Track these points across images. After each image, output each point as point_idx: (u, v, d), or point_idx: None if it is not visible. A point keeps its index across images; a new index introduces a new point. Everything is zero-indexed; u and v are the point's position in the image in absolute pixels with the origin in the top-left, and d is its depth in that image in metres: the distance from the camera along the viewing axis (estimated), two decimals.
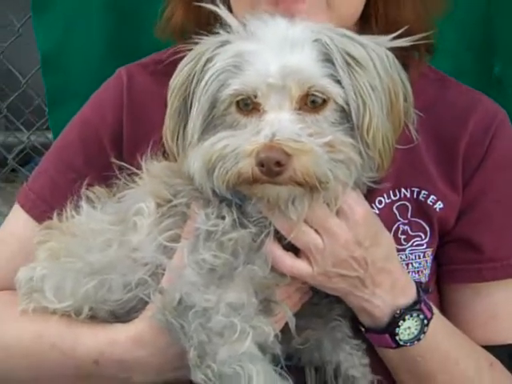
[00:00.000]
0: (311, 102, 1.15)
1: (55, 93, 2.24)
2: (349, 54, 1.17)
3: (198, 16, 1.40)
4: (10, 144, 4.26)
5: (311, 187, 1.13)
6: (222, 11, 1.22)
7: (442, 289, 1.50)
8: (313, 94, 1.15)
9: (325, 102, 1.15)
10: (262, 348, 1.18)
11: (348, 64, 1.16)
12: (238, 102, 1.16)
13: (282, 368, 1.24)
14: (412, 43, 1.24)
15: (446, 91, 1.52)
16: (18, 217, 1.53)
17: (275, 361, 1.25)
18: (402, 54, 1.29)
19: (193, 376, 1.17)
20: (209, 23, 1.29)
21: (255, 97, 1.15)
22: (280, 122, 1.12)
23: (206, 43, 1.21)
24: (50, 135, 3.87)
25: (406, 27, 1.27)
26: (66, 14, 2.19)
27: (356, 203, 1.22)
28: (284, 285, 1.23)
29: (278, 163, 1.08)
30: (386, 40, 1.21)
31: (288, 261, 1.21)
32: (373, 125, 1.15)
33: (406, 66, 1.32)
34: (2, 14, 3.78)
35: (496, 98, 1.89)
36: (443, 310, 1.49)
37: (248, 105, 1.16)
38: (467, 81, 1.92)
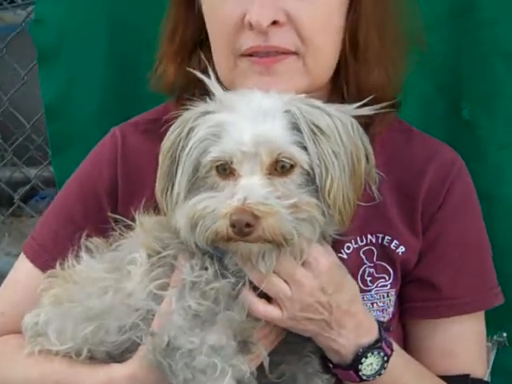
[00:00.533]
0: (280, 167, 1.23)
1: (58, 139, 2.29)
2: (314, 124, 1.24)
3: (188, 75, 1.44)
4: (15, 180, 4.28)
5: (278, 244, 1.21)
6: (207, 80, 1.31)
7: (404, 324, 1.55)
8: (281, 160, 1.23)
9: (292, 166, 1.23)
10: (240, 383, 1.25)
11: (314, 133, 1.24)
12: (217, 167, 1.24)
13: None
14: (376, 112, 1.31)
15: (411, 142, 1.58)
16: (23, 265, 1.59)
17: None
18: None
19: None
20: (198, 80, 1.36)
21: (231, 163, 1.22)
22: (251, 186, 1.20)
23: (190, 112, 1.29)
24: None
25: (372, 96, 1.35)
26: (69, 65, 2.23)
27: (321, 255, 1.28)
28: (260, 327, 1.29)
29: (248, 224, 1.16)
30: (351, 109, 1.29)
31: (261, 307, 1.27)
32: (333, 188, 1.23)
33: (372, 120, 1.42)
34: (8, 63, 3.88)
35: (466, 138, 1.95)
36: (406, 344, 1.55)
37: (226, 170, 1.23)
38: (438, 123, 1.98)
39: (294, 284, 1.26)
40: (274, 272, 1.26)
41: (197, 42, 1.49)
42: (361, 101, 1.35)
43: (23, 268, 1.59)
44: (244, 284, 1.27)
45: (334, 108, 1.29)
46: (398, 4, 1.49)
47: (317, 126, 1.25)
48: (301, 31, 1.37)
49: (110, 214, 1.48)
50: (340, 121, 1.26)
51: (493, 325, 1.67)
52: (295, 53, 1.39)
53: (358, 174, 1.26)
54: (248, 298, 1.27)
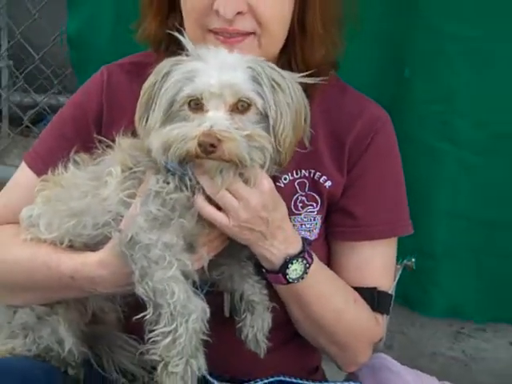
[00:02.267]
0: (240, 107, 1.37)
1: (78, 63, 2.59)
2: (273, 79, 1.40)
3: (166, 32, 1.57)
4: (26, 104, 4.31)
5: (234, 163, 1.35)
6: (181, 37, 1.45)
7: (329, 245, 1.70)
8: (241, 101, 1.38)
9: (249, 106, 1.38)
10: (185, 275, 1.39)
11: (272, 86, 1.40)
12: (189, 103, 1.38)
13: (202, 292, 1.45)
14: (316, 81, 1.47)
15: (344, 97, 1.72)
16: (23, 171, 1.73)
17: (200, 287, 1.47)
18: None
19: (136, 290, 1.38)
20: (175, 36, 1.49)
21: (201, 99, 1.36)
22: (216, 118, 1.34)
23: (167, 61, 1.43)
24: (61, 98, 4.11)
25: (313, 70, 1.51)
26: (90, 5, 2.55)
27: (265, 179, 1.42)
28: (205, 234, 1.45)
29: (212, 145, 1.31)
30: (297, 76, 1.45)
31: (211, 211, 1.41)
32: (285, 130, 1.39)
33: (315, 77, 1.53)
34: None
35: (404, 92, 2.21)
36: (329, 262, 1.69)
37: (196, 105, 1.37)
38: (385, 79, 2.25)
39: (241, 199, 1.39)
40: (226, 189, 1.39)
41: (172, 4, 1.61)
42: (306, 70, 1.52)
43: (23, 173, 1.72)
44: (198, 193, 1.40)
45: (284, 72, 1.44)
46: None
47: (275, 81, 1.40)
48: (259, 18, 1.53)
49: (95, 135, 1.60)
50: (291, 83, 1.42)
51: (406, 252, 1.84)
52: (253, 33, 1.55)
53: (299, 125, 1.42)
54: (201, 204, 1.40)
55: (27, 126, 4.01)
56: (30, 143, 3.08)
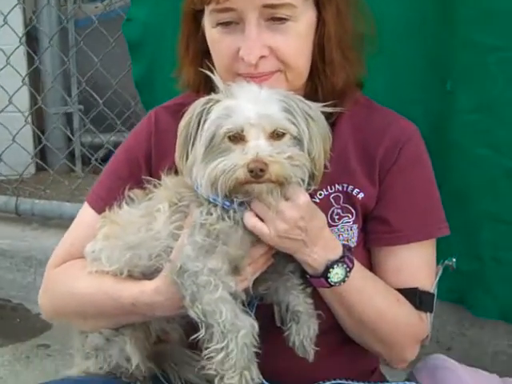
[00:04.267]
0: (276, 135, 1.45)
1: (147, 104, 2.67)
2: (305, 111, 1.49)
3: (204, 75, 1.64)
4: (96, 144, 4.58)
5: (280, 183, 1.44)
6: (212, 76, 1.52)
7: (369, 250, 1.73)
8: (277, 130, 1.45)
9: (284, 134, 1.46)
10: (233, 295, 1.46)
11: (305, 117, 1.48)
12: (229, 136, 1.44)
13: (249, 307, 1.53)
14: (336, 110, 1.56)
15: (372, 114, 1.75)
16: (86, 211, 1.81)
17: (251, 302, 1.56)
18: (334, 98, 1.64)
19: (188, 313, 1.46)
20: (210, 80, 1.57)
21: (242, 131, 1.43)
22: (258, 145, 1.42)
23: (200, 100, 1.51)
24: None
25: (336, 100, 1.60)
26: (151, 52, 2.67)
27: (301, 193, 1.49)
28: (248, 257, 1.51)
29: (261, 170, 1.39)
30: (320, 106, 1.52)
31: (254, 220, 1.48)
32: (317, 153, 1.49)
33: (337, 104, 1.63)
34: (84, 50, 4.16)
35: (447, 105, 2.26)
36: (371, 265, 1.73)
37: (236, 137, 1.44)
38: (428, 91, 2.30)
39: (278, 212, 1.47)
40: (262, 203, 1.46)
41: (205, 51, 1.68)
42: (332, 94, 1.63)
43: (86, 212, 1.81)
44: (246, 210, 1.48)
45: (310, 103, 1.52)
46: (353, 19, 1.68)
47: (306, 112, 1.49)
48: (281, 58, 1.59)
49: (144, 176, 1.68)
50: (317, 113, 1.51)
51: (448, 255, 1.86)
52: (279, 70, 1.61)
53: (326, 149, 1.52)
54: (247, 217, 1.48)
55: (98, 165, 4.19)
56: None
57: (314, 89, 1.69)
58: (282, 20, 1.56)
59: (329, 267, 1.54)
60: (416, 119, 1.81)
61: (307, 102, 1.54)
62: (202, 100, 1.53)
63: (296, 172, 1.46)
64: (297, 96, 1.53)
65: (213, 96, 1.52)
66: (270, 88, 1.52)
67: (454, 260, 1.87)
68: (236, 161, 1.42)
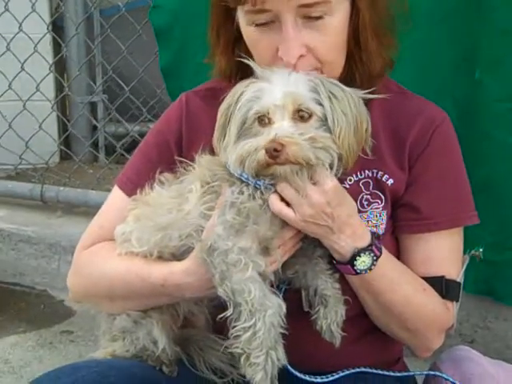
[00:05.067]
0: (301, 117, 1.46)
1: (174, 91, 2.68)
2: (330, 91, 1.48)
3: (235, 63, 1.67)
4: (120, 134, 4.60)
5: (302, 164, 1.43)
6: (250, 63, 1.55)
7: (397, 238, 1.73)
8: (302, 110, 1.45)
9: (310, 116, 1.46)
10: (262, 276, 1.47)
11: (329, 97, 1.48)
12: (258, 118, 1.47)
13: (278, 289, 1.54)
14: (377, 97, 1.55)
15: (403, 100, 1.75)
16: (116, 193, 1.83)
17: (279, 286, 1.57)
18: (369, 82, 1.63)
19: (218, 292, 1.47)
20: (243, 66, 1.59)
21: (268, 114, 1.46)
22: (281, 127, 1.43)
23: (240, 84, 1.53)
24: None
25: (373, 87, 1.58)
26: (178, 39, 2.68)
27: (328, 178, 1.48)
28: (278, 237, 1.52)
29: (276, 150, 1.40)
30: (360, 93, 1.52)
31: (280, 205, 1.48)
32: (341, 134, 1.47)
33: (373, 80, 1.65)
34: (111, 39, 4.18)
35: (476, 95, 2.26)
36: (399, 253, 1.72)
37: (263, 120, 1.46)
38: (458, 80, 2.31)
39: (305, 196, 1.47)
40: (290, 185, 1.47)
41: (237, 38, 1.68)
42: (368, 79, 1.64)
43: (116, 195, 1.83)
44: (272, 193, 1.48)
45: (345, 87, 1.52)
46: (386, 6, 1.66)
47: (332, 93, 1.49)
48: (319, 57, 1.59)
49: (176, 157, 1.70)
50: (350, 94, 1.50)
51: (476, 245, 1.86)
52: (316, 68, 1.61)
53: (360, 133, 1.50)
54: (273, 201, 1.48)
55: (122, 154, 4.23)
56: None
57: (350, 75, 1.68)
58: (318, 18, 1.55)
59: (355, 255, 1.54)
60: (445, 108, 1.81)
61: (339, 84, 1.54)
62: (243, 83, 1.55)
63: (319, 154, 1.45)
64: (328, 78, 1.54)
65: (252, 80, 1.55)
66: (303, 72, 1.54)
67: (481, 250, 1.86)
68: (258, 142, 1.44)
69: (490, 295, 2.58)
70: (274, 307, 1.45)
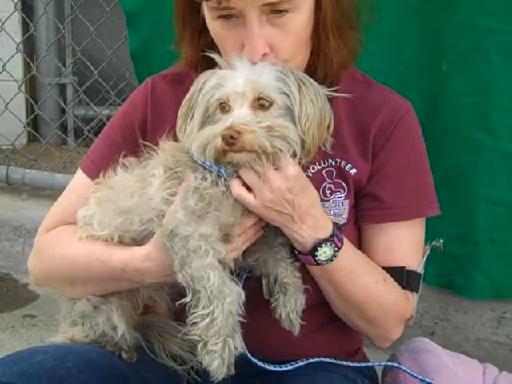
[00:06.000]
0: (261, 105, 1.46)
1: (142, 75, 2.66)
2: (300, 79, 1.50)
3: (200, 53, 1.67)
4: (89, 117, 4.54)
5: (258, 152, 1.43)
6: (215, 56, 1.56)
7: (359, 228, 1.74)
8: (262, 98, 1.46)
9: (271, 104, 1.47)
10: (223, 263, 1.47)
11: (298, 84, 1.49)
12: (220, 105, 1.48)
13: (238, 279, 1.54)
14: (336, 95, 1.56)
15: (368, 90, 1.74)
16: (79, 176, 1.82)
17: (239, 274, 1.58)
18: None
19: (177, 278, 1.46)
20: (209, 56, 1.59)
21: (228, 101, 1.46)
22: (238, 114, 1.44)
23: (204, 73, 1.54)
24: None
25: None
26: (148, 23, 2.66)
27: (290, 164, 1.48)
28: (239, 225, 1.52)
29: (232, 137, 1.40)
30: (325, 90, 1.54)
31: (240, 190, 1.48)
32: (308, 122, 1.47)
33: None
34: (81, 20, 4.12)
35: (442, 88, 2.27)
36: (360, 244, 1.73)
37: (225, 107, 1.47)
38: (424, 73, 2.30)
39: (266, 180, 1.47)
40: (251, 170, 1.47)
41: (202, 27, 1.66)
42: (331, 74, 1.65)
43: (79, 177, 1.82)
44: (233, 178, 1.49)
45: (311, 80, 1.52)
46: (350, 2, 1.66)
47: (301, 81, 1.50)
48: (282, 54, 1.58)
49: (141, 141, 1.69)
50: (317, 87, 1.52)
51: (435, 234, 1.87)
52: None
53: (322, 126, 1.51)
54: (234, 185, 1.48)
55: (90, 138, 4.18)
56: None
57: (313, 68, 1.68)
58: (282, 12, 1.54)
59: (317, 246, 1.54)
60: (411, 100, 1.81)
61: (306, 75, 1.54)
62: (207, 72, 1.55)
63: (275, 142, 1.45)
64: (295, 69, 1.54)
65: (215, 70, 1.55)
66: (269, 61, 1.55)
67: (442, 241, 1.87)
68: (215, 130, 1.45)
69: (450, 288, 2.61)
70: (233, 295, 1.44)
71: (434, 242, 1.86)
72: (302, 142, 1.49)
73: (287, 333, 1.61)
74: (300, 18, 1.58)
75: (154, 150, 1.63)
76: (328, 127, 1.52)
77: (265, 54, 1.57)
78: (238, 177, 1.50)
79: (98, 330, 1.69)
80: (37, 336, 3.12)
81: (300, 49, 1.64)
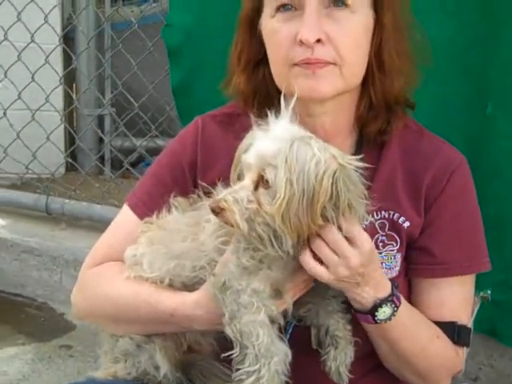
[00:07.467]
0: (266, 181, 1.38)
1: (184, 111, 2.65)
2: (286, 158, 1.35)
3: (253, 86, 1.66)
4: (126, 148, 4.59)
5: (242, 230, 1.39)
6: (254, 120, 1.48)
7: (410, 282, 1.71)
8: (265, 174, 1.38)
9: (267, 182, 1.38)
10: (272, 319, 1.45)
11: (286, 161, 1.35)
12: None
13: (287, 326, 1.53)
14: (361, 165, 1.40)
15: (421, 140, 1.70)
16: (126, 214, 1.78)
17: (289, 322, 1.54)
18: (388, 111, 1.63)
19: (225, 330, 1.45)
20: (260, 90, 1.62)
21: (242, 169, 1.44)
22: (236, 188, 1.41)
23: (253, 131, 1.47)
24: (158, 141, 4.28)
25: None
26: (191, 58, 2.63)
27: (366, 240, 1.44)
28: (291, 281, 1.48)
29: (213, 211, 1.40)
30: (348, 157, 1.38)
31: (313, 263, 1.43)
32: (281, 204, 1.34)
33: (390, 120, 1.64)
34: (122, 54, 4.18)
35: (487, 131, 2.22)
36: (410, 297, 1.69)
37: (240, 174, 1.45)
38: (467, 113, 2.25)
39: (343, 258, 1.42)
40: (330, 245, 1.42)
41: (257, 60, 1.66)
42: (385, 103, 1.62)
43: (126, 214, 1.77)
44: (305, 248, 1.43)
45: (329, 151, 1.36)
46: (410, 31, 1.65)
47: (287, 159, 1.35)
48: (338, 49, 1.55)
49: (189, 182, 1.69)
50: (322, 163, 1.34)
51: (483, 285, 1.83)
52: (334, 63, 1.57)
53: (314, 208, 1.35)
54: (305, 259, 1.43)
55: (127, 169, 4.21)
56: (132, 184, 3.26)
57: (367, 96, 1.65)
58: (342, 6, 1.54)
59: (377, 306, 1.52)
60: (455, 143, 1.78)
61: (314, 144, 1.37)
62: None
63: (257, 227, 1.39)
64: (312, 137, 1.41)
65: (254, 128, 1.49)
66: (320, 93, 1.54)
67: (489, 292, 1.86)
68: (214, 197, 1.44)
69: (493, 335, 2.53)
70: (280, 354, 1.42)
71: (481, 293, 1.84)
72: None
73: (332, 382, 1.58)
74: (357, 20, 1.57)
75: (207, 193, 1.59)
76: (324, 203, 1.36)
77: (319, 41, 1.54)
78: (309, 248, 1.43)
79: (141, 368, 1.66)
80: (73, 367, 3.12)
81: (356, 52, 1.59)
